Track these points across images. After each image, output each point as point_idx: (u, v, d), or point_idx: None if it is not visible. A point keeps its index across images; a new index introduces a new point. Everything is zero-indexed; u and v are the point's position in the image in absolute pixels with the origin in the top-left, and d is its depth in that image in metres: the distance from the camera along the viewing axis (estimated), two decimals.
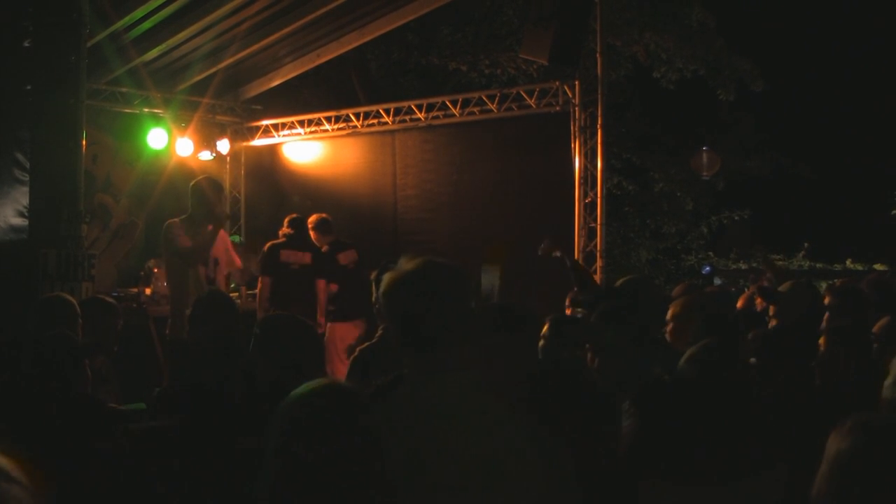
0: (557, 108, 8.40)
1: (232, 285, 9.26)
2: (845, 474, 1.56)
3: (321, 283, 7.87)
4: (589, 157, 8.20)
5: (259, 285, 7.82)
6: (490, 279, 5.88)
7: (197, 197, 6.11)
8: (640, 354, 3.12)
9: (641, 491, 1.22)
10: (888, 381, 2.42)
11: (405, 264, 1.96)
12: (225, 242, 6.44)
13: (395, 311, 1.94)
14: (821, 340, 3.08)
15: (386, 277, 1.97)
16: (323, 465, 1.52)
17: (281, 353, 2.94)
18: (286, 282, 7.58)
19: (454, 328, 1.90)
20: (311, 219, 8.18)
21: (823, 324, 3.84)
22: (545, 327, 3.84)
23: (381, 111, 9.78)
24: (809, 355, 3.03)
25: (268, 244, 7.92)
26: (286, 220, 8.00)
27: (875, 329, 3.49)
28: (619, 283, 3.70)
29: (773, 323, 4.07)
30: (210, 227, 6.04)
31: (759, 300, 5.71)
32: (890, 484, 1.55)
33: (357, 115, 9.99)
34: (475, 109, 9.02)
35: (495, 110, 8.83)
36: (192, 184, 6.25)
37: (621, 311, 3.39)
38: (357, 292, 7.53)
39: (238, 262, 6.58)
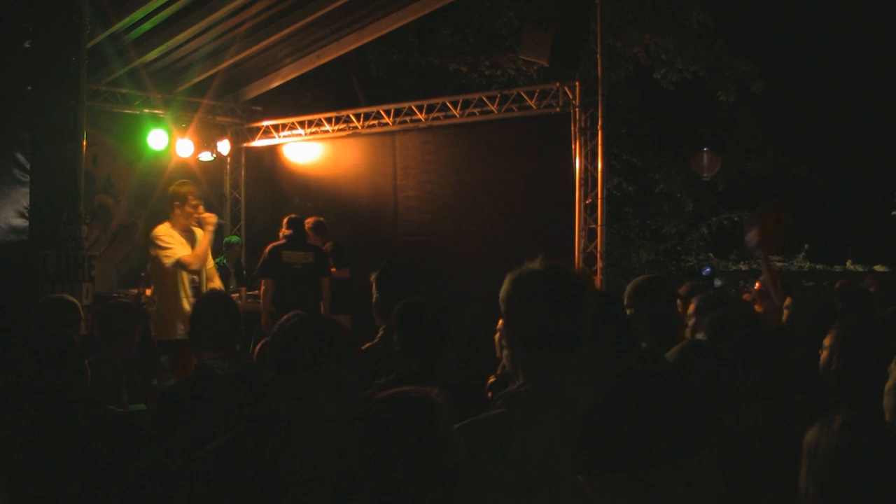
0: (557, 110, 8.40)
1: (231, 286, 9.26)
2: (832, 472, 1.57)
3: (325, 282, 7.91)
4: (589, 158, 8.19)
5: (262, 287, 7.83)
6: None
7: (181, 201, 6.30)
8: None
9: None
10: (889, 385, 2.41)
11: (530, 265, 1.98)
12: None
13: (517, 309, 1.96)
14: (825, 341, 3.08)
15: (510, 276, 1.99)
16: (409, 475, 1.50)
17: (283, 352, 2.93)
18: (289, 282, 7.59)
19: (571, 331, 1.93)
20: (308, 221, 8.26)
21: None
22: None
23: (381, 112, 9.78)
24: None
25: (269, 246, 7.94)
26: (284, 220, 8.03)
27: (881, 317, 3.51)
28: (634, 283, 3.70)
29: (784, 315, 4.12)
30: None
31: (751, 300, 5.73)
32: (875, 483, 1.55)
33: (357, 116, 9.99)
34: (475, 110, 9.02)
35: (495, 111, 8.83)
36: (172, 188, 6.40)
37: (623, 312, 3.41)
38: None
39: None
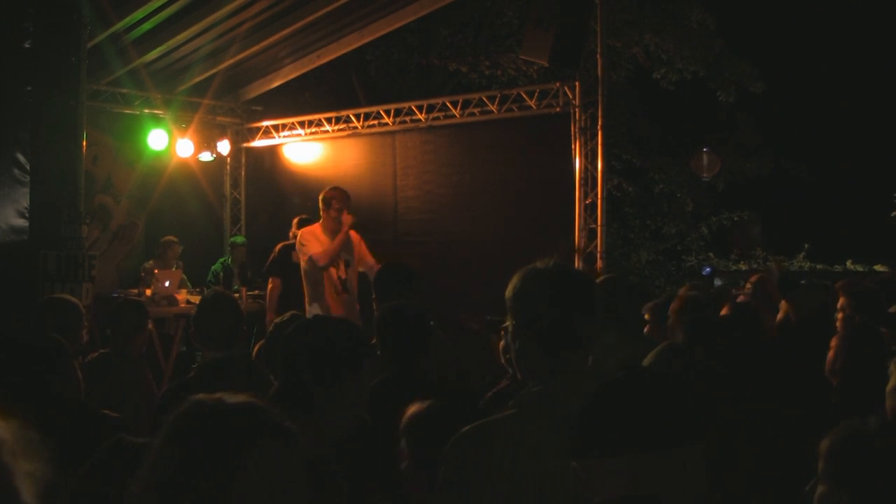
0: (558, 109, 8.40)
1: (234, 287, 9.27)
2: (875, 478, 1.59)
3: None
4: (589, 158, 8.20)
5: (269, 286, 7.85)
6: None
7: (326, 205, 6.47)
8: (631, 353, 3.15)
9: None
10: (890, 386, 2.41)
11: (539, 264, 1.97)
12: (358, 245, 6.64)
13: (524, 308, 1.95)
14: (832, 342, 3.09)
15: (518, 274, 1.97)
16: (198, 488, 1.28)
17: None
18: (296, 283, 7.60)
19: (579, 330, 1.92)
20: (295, 220, 8.22)
21: (838, 324, 3.87)
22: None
23: (381, 112, 9.78)
24: (820, 354, 3.06)
25: (279, 245, 7.96)
26: (295, 220, 8.06)
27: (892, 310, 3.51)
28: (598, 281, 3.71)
29: (780, 315, 4.14)
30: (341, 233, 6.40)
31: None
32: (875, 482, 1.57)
33: (357, 116, 9.99)
34: (475, 110, 9.01)
35: (495, 111, 8.83)
36: (321, 195, 6.58)
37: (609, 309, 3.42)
38: None
39: (372, 260, 6.63)
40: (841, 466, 1.63)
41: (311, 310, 6.35)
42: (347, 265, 6.49)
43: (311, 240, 6.42)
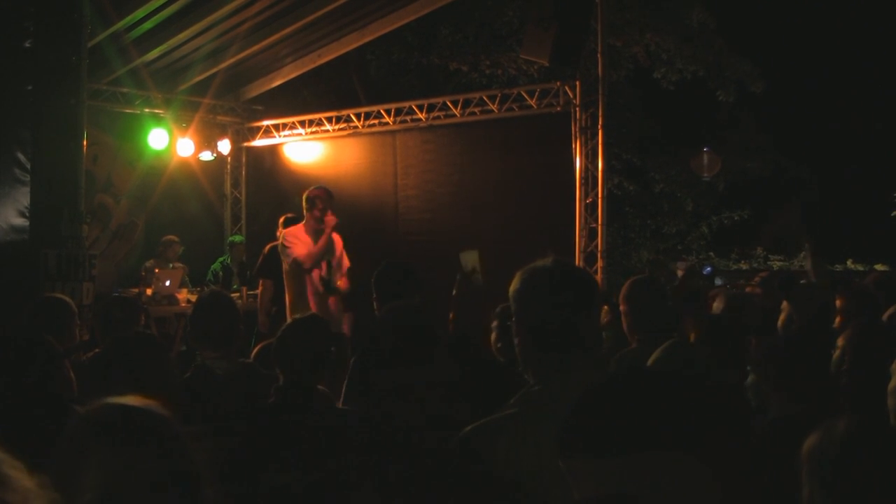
0: (558, 109, 8.40)
1: (234, 286, 9.27)
2: (840, 478, 1.58)
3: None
4: (590, 158, 8.19)
5: (260, 287, 7.82)
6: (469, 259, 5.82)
7: (310, 205, 6.40)
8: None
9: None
10: (891, 386, 2.40)
11: (539, 262, 1.96)
12: (340, 248, 6.59)
13: (525, 306, 1.94)
14: (839, 341, 3.09)
15: (519, 273, 1.96)
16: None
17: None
18: None
19: (580, 329, 1.91)
20: (281, 219, 8.20)
21: (837, 326, 3.88)
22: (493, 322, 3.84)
23: (381, 111, 9.78)
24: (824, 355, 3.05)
25: (268, 246, 7.92)
26: (280, 220, 8.02)
27: (884, 318, 3.50)
28: (627, 285, 3.73)
29: (783, 317, 4.15)
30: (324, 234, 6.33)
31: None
32: (883, 487, 1.56)
33: (358, 116, 9.99)
34: (476, 110, 9.01)
35: (496, 111, 8.83)
36: (305, 194, 6.50)
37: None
38: None
39: (347, 263, 6.62)
40: (823, 469, 1.61)
41: (293, 310, 6.29)
42: (329, 265, 6.43)
43: (295, 242, 6.35)
